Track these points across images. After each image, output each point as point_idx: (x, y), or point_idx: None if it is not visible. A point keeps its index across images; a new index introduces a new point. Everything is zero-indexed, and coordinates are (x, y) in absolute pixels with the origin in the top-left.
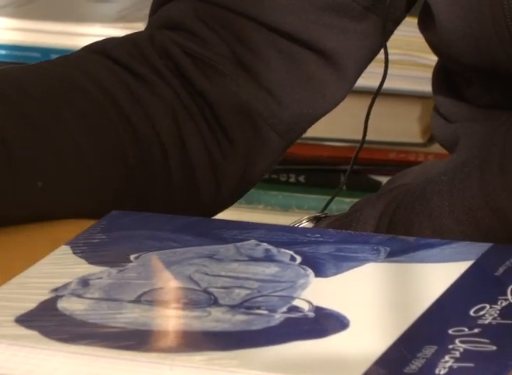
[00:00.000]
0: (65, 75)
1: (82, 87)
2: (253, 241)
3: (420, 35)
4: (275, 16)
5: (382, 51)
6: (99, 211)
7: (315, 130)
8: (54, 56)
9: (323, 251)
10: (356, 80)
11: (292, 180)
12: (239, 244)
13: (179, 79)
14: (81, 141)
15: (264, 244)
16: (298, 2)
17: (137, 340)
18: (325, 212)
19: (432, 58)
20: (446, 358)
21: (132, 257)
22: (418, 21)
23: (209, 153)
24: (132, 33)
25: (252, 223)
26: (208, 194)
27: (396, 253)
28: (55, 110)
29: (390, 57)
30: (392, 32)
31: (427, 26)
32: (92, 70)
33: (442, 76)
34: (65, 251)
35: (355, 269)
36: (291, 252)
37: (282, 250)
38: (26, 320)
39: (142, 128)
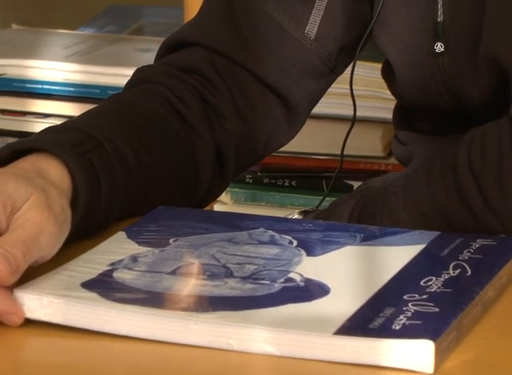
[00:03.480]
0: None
1: (158, 123)
2: (261, 229)
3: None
4: (267, 72)
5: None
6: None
7: (304, 147)
8: (110, 92)
9: (314, 237)
10: (304, 121)
11: (286, 184)
12: (251, 231)
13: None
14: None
15: (270, 231)
16: (285, 65)
17: (172, 301)
18: (313, 207)
19: (390, 93)
20: (401, 317)
21: (171, 240)
22: (382, 74)
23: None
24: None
25: (261, 215)
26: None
27: (368, 239)
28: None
29: (360, 92)
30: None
31: (389, 78)
32: (159, 110)
33: (399, 114)
34: (121, 235)
35: (337, 251)
36: (290, 238)
37: (283, 236)
38: (89, 285)
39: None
